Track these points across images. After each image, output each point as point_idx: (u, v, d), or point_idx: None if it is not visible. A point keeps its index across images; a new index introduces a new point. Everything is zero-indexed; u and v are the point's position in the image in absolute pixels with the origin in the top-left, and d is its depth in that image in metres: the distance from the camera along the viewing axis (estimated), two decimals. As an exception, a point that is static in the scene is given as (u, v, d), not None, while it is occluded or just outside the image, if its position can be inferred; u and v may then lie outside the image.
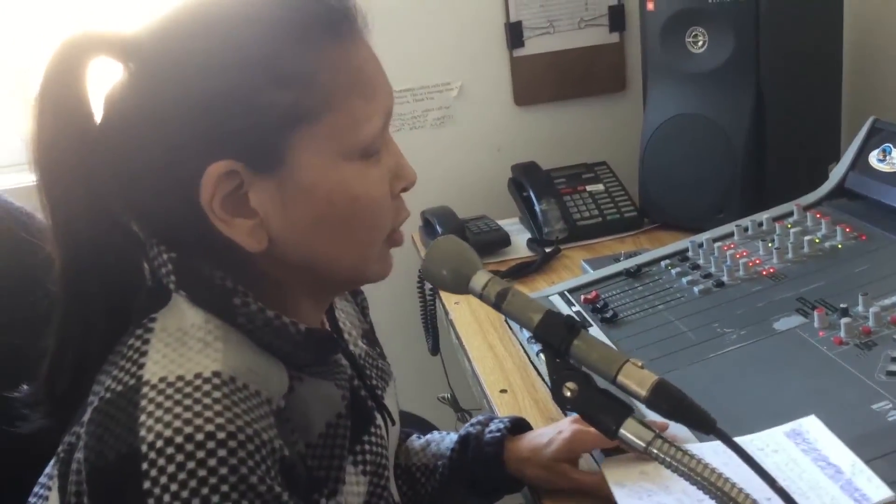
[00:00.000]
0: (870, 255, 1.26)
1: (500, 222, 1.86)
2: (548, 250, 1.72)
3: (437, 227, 1.79)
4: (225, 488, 0.60)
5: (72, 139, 0.70)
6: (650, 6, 1.70)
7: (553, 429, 1.02)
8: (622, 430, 0.62)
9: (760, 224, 1.42)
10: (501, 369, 1.31)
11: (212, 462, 0.61)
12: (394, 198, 0.77)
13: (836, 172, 1.45)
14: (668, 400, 0.60)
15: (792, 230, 1.36)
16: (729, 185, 1.65)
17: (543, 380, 1.24)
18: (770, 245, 1.34)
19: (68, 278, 0.73)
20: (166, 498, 0.60)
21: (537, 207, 1.81)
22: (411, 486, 1.08)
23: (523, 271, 1.65)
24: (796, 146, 1.66)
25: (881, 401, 0.94)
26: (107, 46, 0.71)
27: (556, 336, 0.66)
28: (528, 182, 1.86)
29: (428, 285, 1.79)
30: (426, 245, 1.87)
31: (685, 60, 1.67)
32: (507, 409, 1.19)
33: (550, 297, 1.41)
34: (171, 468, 0.61)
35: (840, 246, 1.30)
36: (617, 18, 2.08)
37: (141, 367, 0.67)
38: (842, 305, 1.12)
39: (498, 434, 1.03)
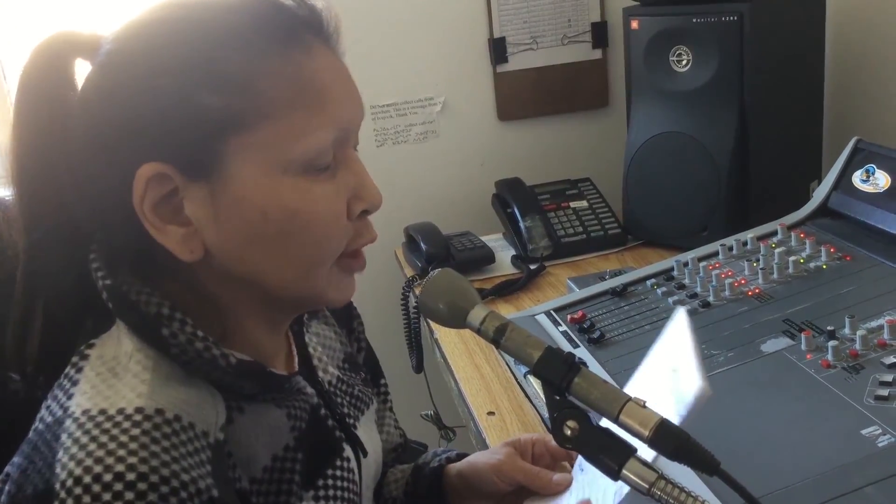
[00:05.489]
0: (855, 276, 1.26)
1: (484, 238, 1.85)
2: (533, 268, 1.71)
3: (421, 244, 1.78)
4: None
5: (45, 141, 0.70)
6: (634, 24, 1.70)
7: (487, 453, 0.98)
8: (625, 471, 0.61)
9: (745, 243, 1.43)
10: (488, 391, 1.30)
11: None
12: (352, 219, 0.73)
13: (820, 192, 1.47)
14: (672, 440, 0.59)
15: (776, 250, 1.36)
16: (712, 203, 1.65)
17: (531, 402, 1.23)
18: (755, 265, 1.34)
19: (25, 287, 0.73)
20: None
21: (522, 224, 1.81)
22: None
23: (508, 289, 1.65)
24: (779, 165, 1.68)
25: (870, 426, 0.95)
26: (80, 48, 0.72)
27: (556, 373, 0.65)
28: (512, 198, 1.86)
29: (412, 301, 1.78)
30: (409, 261, 1.86)
31: (669, 79, 1.68)
32: (494, 431, 1.18)
33: (537, 317, 1.41)
34: None
35: (825, 266, 1.31)
36: (600, 35, 2.09)
37: (70, 397, 0.66)
38: (829, 328, 1.12)
39: (436, 465, 0.99)
